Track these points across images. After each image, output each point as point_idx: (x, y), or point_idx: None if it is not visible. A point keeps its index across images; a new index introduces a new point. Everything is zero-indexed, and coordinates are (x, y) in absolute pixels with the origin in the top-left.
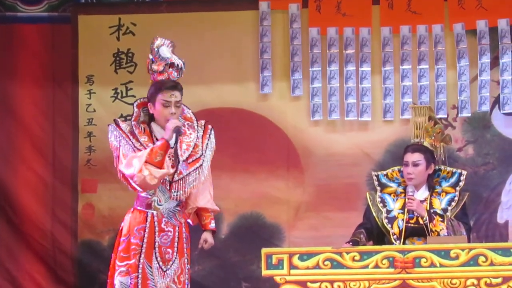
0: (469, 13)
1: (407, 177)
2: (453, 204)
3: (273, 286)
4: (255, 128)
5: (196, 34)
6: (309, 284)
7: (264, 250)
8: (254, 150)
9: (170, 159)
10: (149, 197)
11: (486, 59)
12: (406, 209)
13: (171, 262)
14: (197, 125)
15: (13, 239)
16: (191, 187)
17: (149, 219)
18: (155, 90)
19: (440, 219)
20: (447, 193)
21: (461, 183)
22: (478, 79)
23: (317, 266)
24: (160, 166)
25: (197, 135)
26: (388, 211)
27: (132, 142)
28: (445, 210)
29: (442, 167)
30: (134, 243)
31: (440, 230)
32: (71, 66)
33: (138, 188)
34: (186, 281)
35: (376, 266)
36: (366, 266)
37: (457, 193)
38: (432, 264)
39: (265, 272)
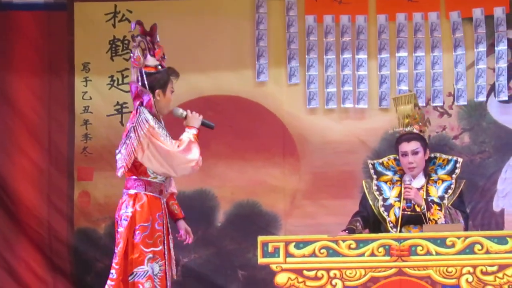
0: (465, 1)
1: (409, 167)
2: (450, 191)
3: (269, 274)
4: (252, 116)
5: (192, 21)
6: (305, 272)
7: (260, 238)
8: (250, 137)
9: None
10: (163, 183)
11: (483, 48)
12: (402, 197)
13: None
14: None
15: (9, 227)
16: None
17: (163, 205)
18: (167, 77)
19: (438, 207)
20: (443, 180)
21: (457, 171)
22: (475, 68)
23: (313, 254)
24: None
25: None
26: (385, 199)
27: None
28: (442, 198)
29: (438, 154)
30: (159, 229)
31: (438, 218)
32: (67, 53)
33: (182, 173)
34: None
35: (372, 254)
36: (362, 254)
37: (453, 180)
38: (428, 252)
39: (261, 260)
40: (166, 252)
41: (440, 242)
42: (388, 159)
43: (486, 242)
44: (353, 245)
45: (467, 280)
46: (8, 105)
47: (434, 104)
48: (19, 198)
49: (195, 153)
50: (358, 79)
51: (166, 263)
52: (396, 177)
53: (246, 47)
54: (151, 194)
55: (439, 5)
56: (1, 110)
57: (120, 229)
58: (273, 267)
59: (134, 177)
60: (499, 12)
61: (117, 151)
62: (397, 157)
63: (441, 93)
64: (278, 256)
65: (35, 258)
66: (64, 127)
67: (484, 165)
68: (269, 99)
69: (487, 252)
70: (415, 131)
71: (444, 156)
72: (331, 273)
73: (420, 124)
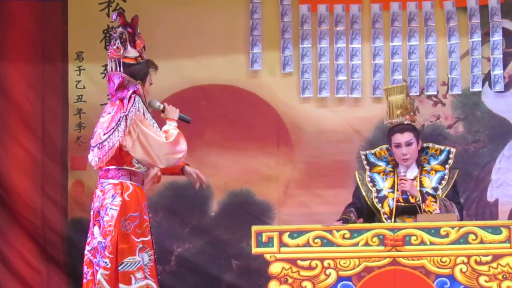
0: None
1: (403, 158)
2: (444, 182)
3: (263, 263)
4: (245, 105)
5: (186, 11)
6: (299, 261)
7: (254, 228)
8: (244, 127)
9: None
10: (144, 173)
11: (477, 37)
12: (396, 188)
13: None
14: None
15: (2, 217)
16: None
17: (145, 195)
18: (147, 69)
19: (433, 199)
20: (436, 171)
21: (450, 161)
22: (470, 58)
23: (307, 244)
24: None
25: None
26: (378, 191)
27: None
28: (435, 189)
29: (430, 144)
30: (146, 219)
31: (433, 210)
32: (60, 42)
33: (167, 164)
34: None
35: (366, 244)
36: (356, 244)
37: (446, 171)
38: (422, 242)
39: (255, 250)
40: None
41: (434, 232)
42: (381, 149)
43: (480, 232)
44: (347, 235)
45: (461, 270)
46: (1, 94)
47: (428, 93)
48: (13, 187)
49: (183, 145)
50: (352, 68)
51: (155, 252)
52: (389, 168)
53: (240, 36)
54: (136, 184)
55: None
56: None
57: (107, 218)
58: (267, 256)
59: (116, 166)
60: (493, 1)
61: (96, 140)
62: (390, 147)
63: (434, 82)
64: (272, 246)
65: (29, 248)
66: (57, 116)
67: (478, 154)
68: (263, 88)
69: (481, 242)
70: (406, 122)
71: (436, 146)
72: (325, 263)
73: (412, 114)
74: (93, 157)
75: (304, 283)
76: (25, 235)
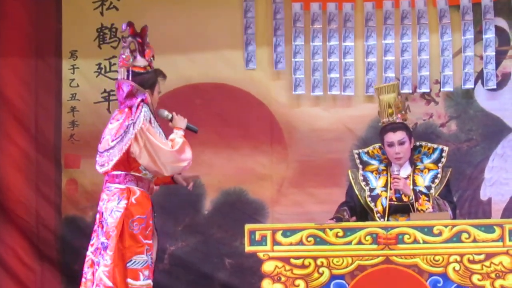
0: None
1: (396, 157)
2: (437, 181)
3: (256, 262)
4: (239, 104)
5: (180, 10)
6: (292, 260)
7: (248, 226)
8: (237, 125)
9: None
10: (151, 180)
11: (470, 35)
12: (389, 187)
13: None
14: None
15: None
16: None
17: (151, 201)
18: (156, 78)
19: (426, 198)
20: (429, 169)
21: (443, 160)
22: (462, 56)
23: (300, 243)
24: None
25: None
26: (371, 189)
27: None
28: (428, 188)
29: (423, 143)
30: (151, 224)
31: (427, 209)
32: (55, 40)
33: (172, 172)
34: None
35: (359, 243)
36: (349, 243)
37: (439, 169)
38: (415, 241)
39: (248, 248)
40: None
41: (428, 230)
42: (374, 148)
43: (473, 231)
44: (340, 234)
45: (454, 268)
46: None
47: (421, 91)
48: (6, 185)
49: (188, 153)
50: (344, 67)
51: (154, 255)
52: (382, 167)
53: (234, 35)
54: (142, 189)
55: None
56: None
57: (111, 220)
58: (260, 255)
59: (123, 172)
60: None
61: (104, 146)
62: (382, 146)
63: (427, 80)
64: (265, 244)
65: (22, 245)
66: (51, 114)
67: (471, 153)
68: (256, 86)
69: (474, 240)
70: (398, 120)
71: (429, 144)
72: (318, 261)
73: (403, 112)
74: (100, 162)
75: (297, 282)
76: (19, 233)
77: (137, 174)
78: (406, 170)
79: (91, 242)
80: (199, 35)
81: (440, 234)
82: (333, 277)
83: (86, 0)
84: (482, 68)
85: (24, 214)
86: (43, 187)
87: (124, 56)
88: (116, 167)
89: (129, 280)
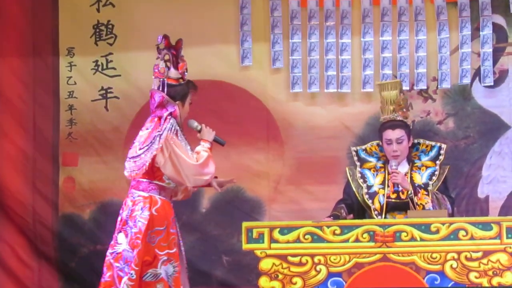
0: None
1: (393, 155)
2: (434, 178)
3: (254, 259)
4: (236, 101)
5: (176, 6)
6: (289, 257)
7: (245, 224)
8: (234, 122)
9: None
10: (174, 189)
11: (467, 32)
12: (387, 184)
13: None
14: None
15: None
16: None
17: (173, 210)
18: (188, 89)
19: (425, 192)
20: (427, 167)
21: (441, 157)
22: (459, 52)
23: (297, 240)
24: None
25: None
26: (369, 187)
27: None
28: (426, 185)
29: (421, 140)
30: (173, 232)
31: (426, 203)
32: (51, 38)
33: (195, 184)
34: None
35: (357, 240)
36: (347, 240)
37: (437, 167)
38: (413, 238)
39: (245, 246)
40: (180, 254)
41: (425, 228)
42: (371, 145)
43: (470, 228)
44: (338, 231)
45: (451, 266)
46: None
47: (418, 88)
48: (4, 183)
49: (211, 167)
50: (341, 63)
51: (181, 264)
52: (380, 164)
53: (230, 32)
54: (164, 198)
55: None
56: None
57: (135, 230)
58: (258, 252)
59: (147, 180)
60: None
61: (132, 153)
62: (380, 143)
63: (424, 77)
64: (263, 242)
65: (20, 243)
66: (48, 112)
67: (468, 150)
68: (253, 83)
69: (472, 238)
70: (399, 118)
71: (427, 142)
72: (316, 259)
73: (404, 110)
74: (127, 168)
75: (295, 279)
76: (16, 231)
77: (160, 183)
78: (404, 168)
79: (111, 243)
80: (195, 32)
81: (437, 231)
82: (330, 274)
83: None
84: (479, 65)
85: (22, 212)
86: (40, 185)
87: (159, 68)
88: (141, 174)
89: None
